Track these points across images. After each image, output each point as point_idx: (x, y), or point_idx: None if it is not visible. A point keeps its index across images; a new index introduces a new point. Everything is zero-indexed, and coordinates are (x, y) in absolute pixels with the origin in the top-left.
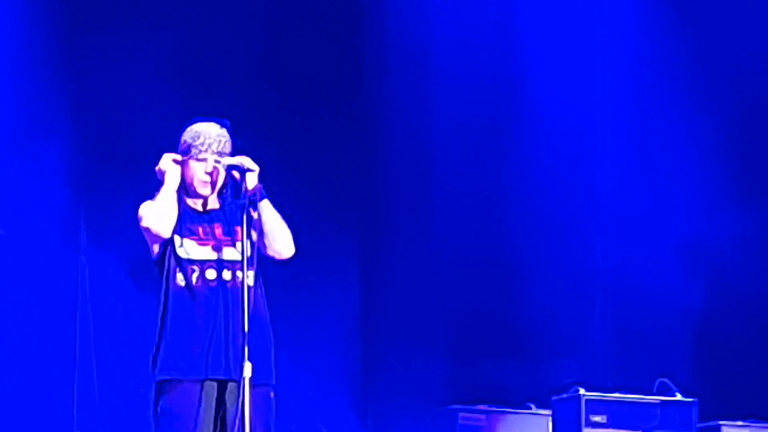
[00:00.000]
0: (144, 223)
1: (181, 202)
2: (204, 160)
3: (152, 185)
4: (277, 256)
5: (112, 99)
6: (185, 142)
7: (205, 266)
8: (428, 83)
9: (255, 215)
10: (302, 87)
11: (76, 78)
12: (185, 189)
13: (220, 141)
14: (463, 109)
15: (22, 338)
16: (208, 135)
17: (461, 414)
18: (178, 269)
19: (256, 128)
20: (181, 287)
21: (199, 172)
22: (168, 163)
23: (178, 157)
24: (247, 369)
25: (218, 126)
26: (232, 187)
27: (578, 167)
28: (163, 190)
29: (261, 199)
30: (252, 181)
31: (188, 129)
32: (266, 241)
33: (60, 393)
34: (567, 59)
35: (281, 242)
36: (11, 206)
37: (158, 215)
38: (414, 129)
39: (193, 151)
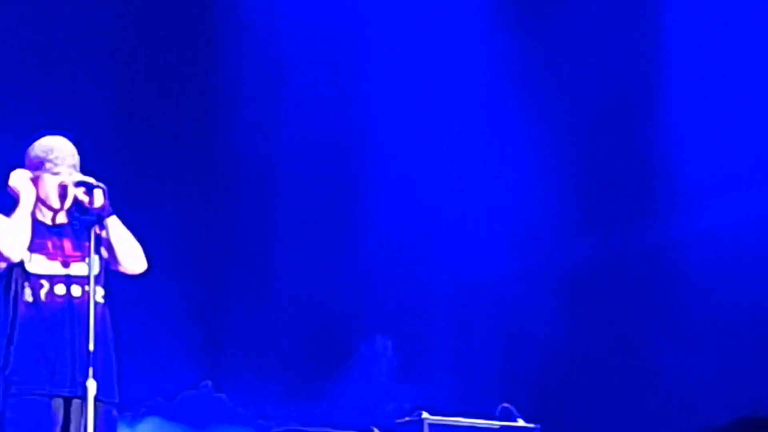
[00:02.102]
0: None
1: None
2: (58, 173)
3: None
4: (128, 272)
5: None
6: (37, 156)
7: (55, 281)
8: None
9: (103, 233)
10: (152, 104)
11: None
12: (35, 203)
13: (74, 155)
14: (311, 133)
15: None
16: (62, 149)
17: None
18: (26, 284)
19: (101, 144)
20: (28, 302)
21: (52, 186)
22: (23, 182)
23: (30, 174)
24: (92, 387)
25: (68, 141)
26: (76, 205)
27: (422, 189)
28: (19, 211)
29: (108, 215)
30: (99, 198)
31: (37, 143)
32: (117, 257)
33: None
34: (411, 70)
35: (132, 258)
36: None
37: (12, 238)
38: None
39: (47, 165)
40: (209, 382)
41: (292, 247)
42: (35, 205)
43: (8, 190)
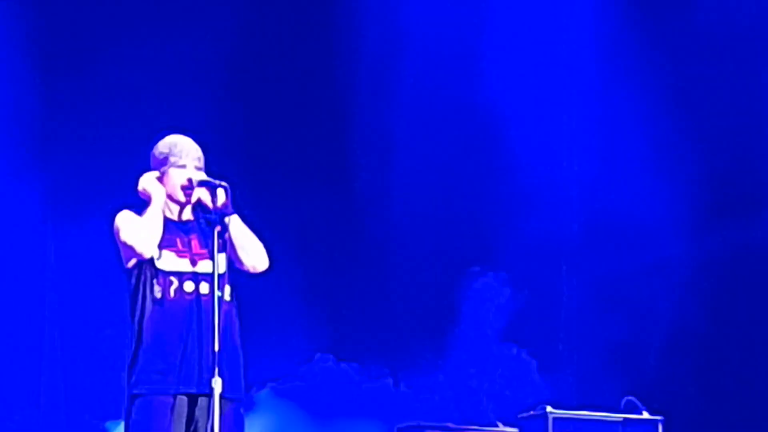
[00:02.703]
0: (127, 240)
1: None
2: (184, 166)
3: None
4: (251, 270)
5: (84, 115)
6: (161, 153)
7: (183, 279)
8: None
9: (219, 230)
10: (271, 103)
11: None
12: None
13: (197, 150)
14: (428, 117)
15: None
16: (185, 144)
17: (427, 430)
18: (155, 281)
19: (221, 144)
20: (157, 299)
21: (179, 179)
22: (152, 183)
23: (157, 174)
24: (218, 384)
25: (191, 139)
26: (200, 205)
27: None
28: (150, 210)
29: (230, 214)
30: (221, 197)
31: (161, 142)
32: (240, 256)
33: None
34: (532, 63)
35: (255, 256)
36: None
37: (145, 236)
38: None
39: (172, 159)
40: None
41: (409, 237)
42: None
43: (139, 194)
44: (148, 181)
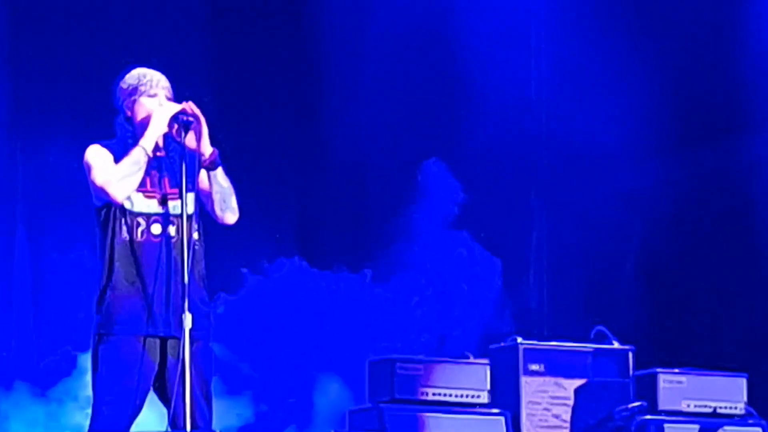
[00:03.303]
0: (104, 186)
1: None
2: (155, 95)
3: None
4: (220, 221)
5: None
6: (129, 84)
7: (151, 220)
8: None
9: (205, 181)
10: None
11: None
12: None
13: (167, 81)
14: (398, 64)
15: None
16: (153, 74)
17: (398, 363)
18: (123, 221)
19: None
20: (125, 240)
21: (151, 107)
22: (163, 117)
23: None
24: (188, 320)
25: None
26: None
27: (515, 113)
28: (139, 154)
29: (216, 167)
30: (207, 146)
31: (127, 76)
32: (215, 207)
33: None
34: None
35: (230, 210)
36: None
37: (124, 183)
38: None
39: (142, 88)
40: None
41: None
42: (135, 134)
43: (128, 112)
44: (164, 111)
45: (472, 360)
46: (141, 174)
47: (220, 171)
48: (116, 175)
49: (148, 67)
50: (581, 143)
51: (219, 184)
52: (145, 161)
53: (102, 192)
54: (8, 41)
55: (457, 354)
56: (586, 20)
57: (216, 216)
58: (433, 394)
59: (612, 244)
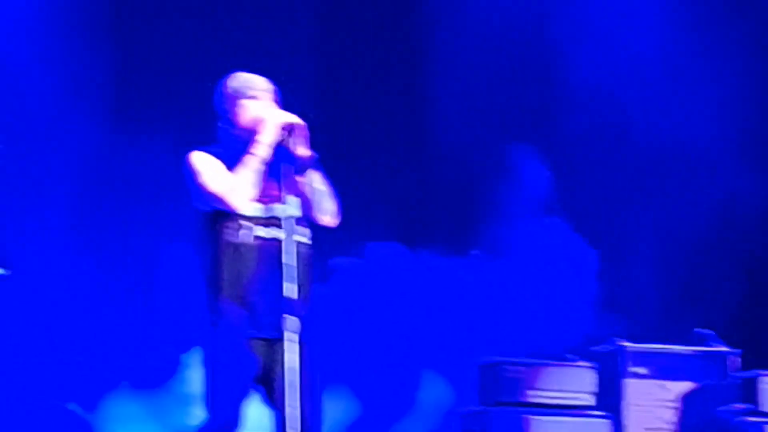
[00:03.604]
0: (222, 194)
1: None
2: (257, 98)
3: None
4: (320, 223)
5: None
6: (231, 89)
7: (257, 223)
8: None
9: (301, 180)
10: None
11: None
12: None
13: (270, 84)
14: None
15: None
16: (256, 78)
17: (505, 366)
18: (230, 225)
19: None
20: (231, 243)
21: (253, 111)
22: (275, 124)
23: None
24: (294, 323)
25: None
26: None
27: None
28: (256, 161)
29: (313, 170)
30: (305, 150)
31: (229, 80)
32: (313, 210)
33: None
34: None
35: (327, 213)
36: None
37: (245, 192)
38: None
39: (244, 91)
40: None
41: None
42: (238, 138)
43: (237, 121)
44: (274, 117)
45: (577, 363)
46: (258, 182)
47: (318, 175)
48: (235, 185)
49: (251, 70)
50: (681, 137)
51: (316, 187)
52: (262, 169)
53: (219, 201)
54: (114, 38)
55: (557, 350)
56: (684, 14)
57: (314, 218)
58: (539, 397)
59: (714, 243)
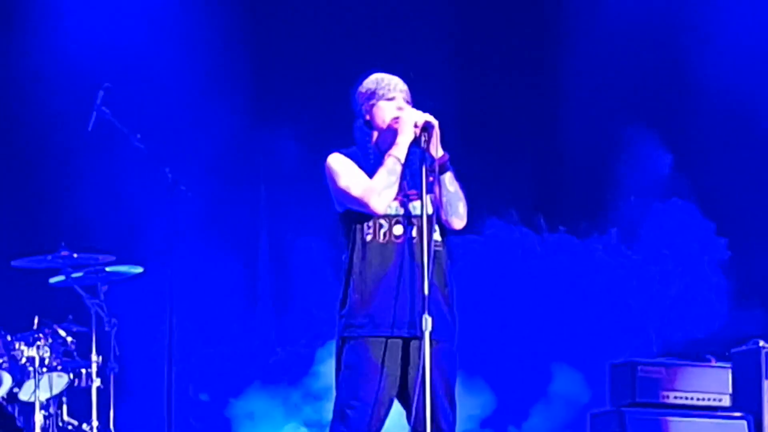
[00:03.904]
0: (362, 196)
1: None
2: (393, 99)
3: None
4: (447, 226)
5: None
6: (368, 88)
7: (393, 222)
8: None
9: (431, 180)
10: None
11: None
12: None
13: (404, 84)
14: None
15: None
16: (390, 78)
17: (640, 366)
18: (366, 224)
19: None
20: (368, 242)
21: (390, 111)
22: (410, 122)
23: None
24: (428, 322)
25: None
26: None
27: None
28: (393, 163)
29: (445, 171)
30: (438, 149)
31: (365, 81)
32: (441, 211)
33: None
34: None
35: (456, 215)
36: None
37: (385, 195)
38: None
39: (380, 92)
40: None
41: None
42: (374, 138)
43: (376, 122)
44: (410, 117)
45: (714, 363)
46: (397, 183)
47: (449, 175)
48: (376, 188)
49: (386, 70)
50: None
51: (447, 188)
52: (400, 170)
53: (359, 203)
54: (253, 41)
55: (694, 349)
56: None
57: (443, 219)
58: (675, 398)
59: None
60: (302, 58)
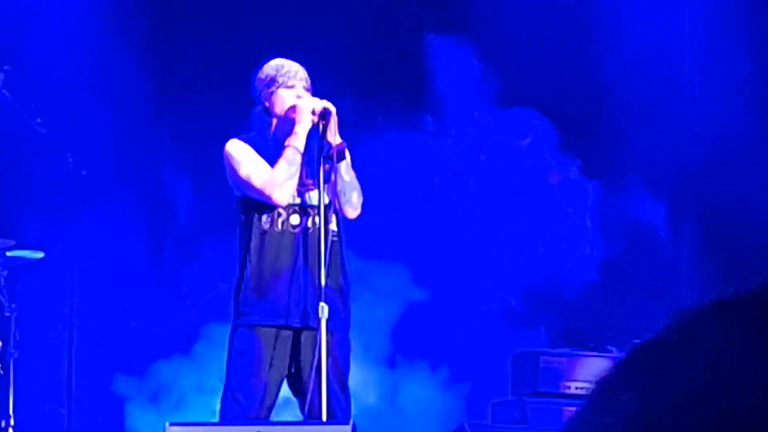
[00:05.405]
0: (263, 187)
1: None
2: (292, 87)
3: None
4: (344, 215)
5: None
6: (267, 76)
7: (290, 211)
8: None
9: (327, 168)
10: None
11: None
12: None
13: (304, 72)
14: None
15: None
16: (291, 65)
17: (542, 357)
18: (263, 212)
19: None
20: (264, 230)
21: (289, 99)
22: (307, 110)
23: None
24: (324, 311)
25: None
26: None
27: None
28: (292, 153)
29: (341, 159)
30: (336, 137)
31: (265, 66)
32: (338, 201)
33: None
34: None
35: (350, 205)
36: None
37: (286, 186)
38: None
39: (280, 79)
40: None
41: None
42: (273, 125)
43: (273, 109)
44: (307, 105)
45: (615, 354)
46: (298, 174)
47: (344, 164)
48: (277, 180)
49: (286, 57)
50: None
51: (342, 177)
52: (300, 160)
53: (260, 194)
54: (155, 33)
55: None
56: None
57: (339, 208)
58: (576, 388)
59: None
60: (208, 43)
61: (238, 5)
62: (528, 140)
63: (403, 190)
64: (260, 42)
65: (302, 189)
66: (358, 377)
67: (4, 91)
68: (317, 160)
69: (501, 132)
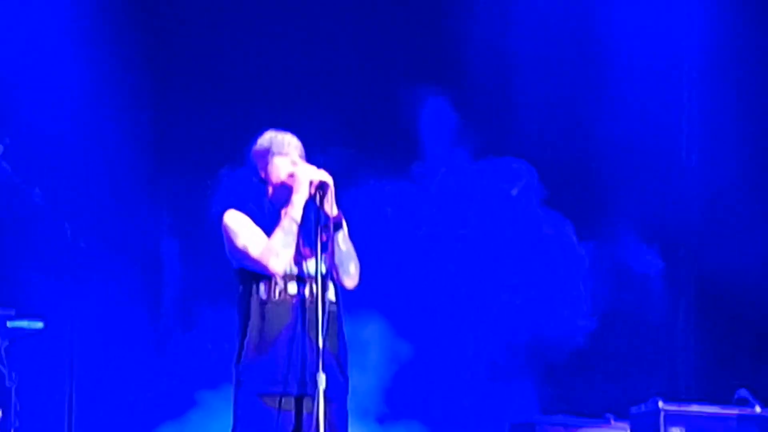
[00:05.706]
0: (260, 258)
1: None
2: (287, 154)
3: None
4: (341, 284)
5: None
6: (262, 146)
7: (288, 280)
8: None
9: (325, 239)
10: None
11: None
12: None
13: (298, 142)
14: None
15: None
16: (284, 135)
17: (539, 426)
18: (261, 281)
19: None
20: (262, 300)
21: (284, 167)
22: (305, 179)
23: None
24: (322, 380)
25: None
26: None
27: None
28: (289, 223)
29: (338, 229)
30: (333, 208)
31: (260, 139)
32: (335, 270)
33: None
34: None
35: (347, 275)
36: None
37: (283, 255)
38: None
39: (275, 149)
40: None
41: None
42: (269, 193)
43: (271, 179)
44: (304, 175)
45: (613, 424)
46: (294, 243)
47: (341, 234)
48: (274, 249)
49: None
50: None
51: (339, 247)
52: (297, 230)
53: (257, 264)
54: (149, 101)
55: (596, 408)
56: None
57: (336, 278)
58: None
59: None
60: (203, 108)
61: (229, 73)
62: (516, 191)
63: (388, 241)
64: (251, 105)
65: (299, 258)
66: None
67: (3, 163)
68: (314, 230)
69: (488, 181)
